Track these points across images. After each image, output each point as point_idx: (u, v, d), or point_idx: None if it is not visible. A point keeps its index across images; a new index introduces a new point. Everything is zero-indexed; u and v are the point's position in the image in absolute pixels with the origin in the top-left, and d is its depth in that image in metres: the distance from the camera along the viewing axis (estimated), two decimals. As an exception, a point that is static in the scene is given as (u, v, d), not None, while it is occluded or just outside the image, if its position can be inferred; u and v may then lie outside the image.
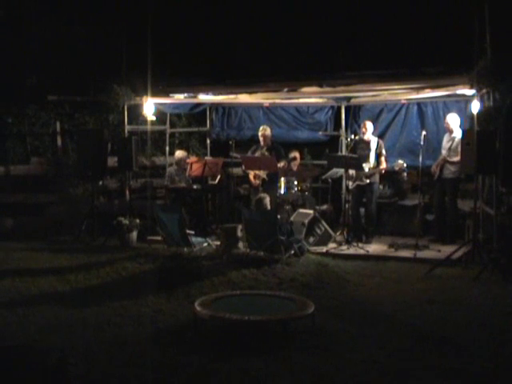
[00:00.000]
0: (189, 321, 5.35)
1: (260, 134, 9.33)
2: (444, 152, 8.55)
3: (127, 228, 8.86)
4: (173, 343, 4.93)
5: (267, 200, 8.11)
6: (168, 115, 10.72)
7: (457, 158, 8.24)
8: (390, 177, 9.51)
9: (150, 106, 9.53)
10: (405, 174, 8.96)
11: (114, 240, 8.94)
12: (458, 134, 8.39)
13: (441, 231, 8.68)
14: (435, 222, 8.87)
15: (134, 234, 8.96)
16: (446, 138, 8.64)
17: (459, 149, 8.10)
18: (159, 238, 8.41)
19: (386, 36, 11.82)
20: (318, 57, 12.08)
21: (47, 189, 10.28)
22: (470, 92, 8.11)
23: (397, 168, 8.78)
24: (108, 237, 8.97)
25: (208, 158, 10.32)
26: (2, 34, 10.87)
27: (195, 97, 10.12)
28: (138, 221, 8.97)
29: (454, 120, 8.52)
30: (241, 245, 7.97)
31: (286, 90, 9.47)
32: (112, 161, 9.73)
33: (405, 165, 8.66)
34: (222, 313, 5.05)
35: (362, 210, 9.07)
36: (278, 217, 8.58)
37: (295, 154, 9.75)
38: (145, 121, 9.80)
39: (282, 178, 9.22)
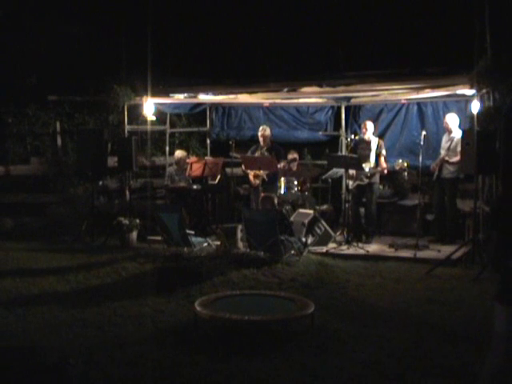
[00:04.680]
0: (189, 321, 5.35)
1: (260, 134, 9.34)
2: (443, 152, 8.55)
3: (127, 228, 8.85)
4: (173, 343, 4.94)
5: (275, 199, 8.14)
6: (168, 115, 10.72)
7: (456, 158, 8.25)
8: (390, 177, 9.51)
9: (149, 106, 9.53)
10: (405, 174, 8.95)
11: (114, 240, 8.93)
12: (456, 133, 8.40)
13: (441, 231, 8.68)
14: (435, 222, 8.87)
15: (134, 234, 8.95)
16: (444, 137, 8.65)
17: (458, 149, 8.12)
18: (159, 237, 8.41)
19: (386, 36, 11.82)
20: (318, 57, 12.07)
21: (47, 189, 10.29)
22: (470, 92, 8.12)
23: (397, 168, 8.77)
24: (108, 237, 8.96)
25: (208, 158, 10.32)
26: (2, 34, 10.87)
27: (195, 97, 10.13)
28: (138, 221, 8.96)
29: (453, 120, 8.52)
30: (241, 245, 7.98)
31: (285, 90, 9.47)
32: (112, 161, 9.72)
33: (405, 164, 8.65)
34: (221, 313, 5.05)
35: (362, 210, 9.06)
36: (285, 209, 8.62)
37: (294, 154, 9.74)
38: (145, 121, 9.80)
39: (282, 178, 9.22)
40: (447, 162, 8.41)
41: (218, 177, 9.66)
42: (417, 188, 8.61)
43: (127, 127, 9.80)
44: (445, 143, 8.58)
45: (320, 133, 10.63)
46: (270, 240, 7.37)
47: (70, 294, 6.46)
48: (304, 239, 7.97)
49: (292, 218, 8.54)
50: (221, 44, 12.71)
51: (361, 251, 8.15)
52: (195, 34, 12.60)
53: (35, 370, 3.55)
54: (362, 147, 8.83)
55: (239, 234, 8.00)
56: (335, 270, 7.26)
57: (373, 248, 8.43)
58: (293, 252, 7.56)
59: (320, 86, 9.04)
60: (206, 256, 7.54)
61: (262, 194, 8.59)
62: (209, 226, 9.28)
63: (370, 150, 8.79)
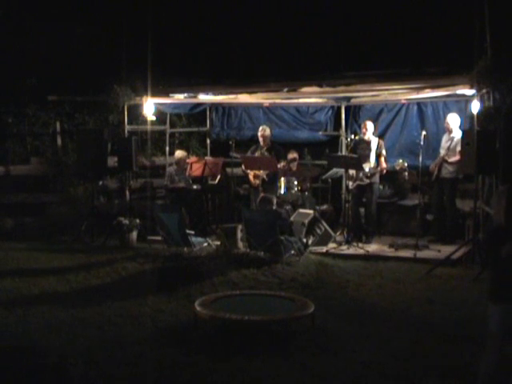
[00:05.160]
0: (189, 321, 5.35)
1: (259, 134, 9.33)
2: (442, 152, 8.56)
3: (127, 228, 8.85)
4: (173, 343, 4.94)
5: (274, 200, 8.13)
6: (168, 115, 10.72)
7: (455, 158, 8.27)
8: (390, 177, 9.51)
9: (149, 106, 9.53)
10: (405, 174, 8.96)
11: (114, 240, 8.93)
12: (457, 134, 8.41)
13: (440, 231, 8.68)
14: (435, 222, 8.87)
15: (134, 234, 8.95)
16: (444, 137, 8.66)
17: (458, 149, 8.16)
18: (159, 237, 8.41)
19: (386, 36, 11.82)
20: (318, 57, 12.07)
21: (47, 189, 10.29)
22: (470, 92, 8.12)
23: (397, 168, 8.77)
24: (108, 237, 8.96)
25: (208, 158, 10.32)
26: (2, 34, 10.87)
27: (195, 97, 10.13)
28: (138, 221, 8.96)
29: (454, 120, 8.53)
30: (241, 245, 7.98)
31: (285, 90, 9.47)
32: (112, 161, 9.72)
33: (405, 164, 8.65)
34: (222, 313, 5.05)
35: (362, 210, 9.06)
36: (284, 209, 8.61)
37: (294, 154, 9.75)
38: (145, 121, 9.80)
39: (282, 178, 9.22)
40: (446, 161, 8.41)
41: (218, 177, 9.66)
42: (417, 188, 8.61)
43: (127, 127, 9.80)
44: (445, 143, 8.59)
45: (320, 133, 10.63)
46: (269, 240, 7.37)
47: (70, 294, 6.46)
48: (305, 240, 7.97)
49: (292, 218, 8.54)
50: (221, 44, 12.70)
51: (361, 251, 8.15)
52: (195, 33, 12.60)
53: (35, 370, 3.55)
54: (361, 147, 8.83)
55: (239, 234, 7.99)
56: (335, 270, 7.26)
57: (373, 248, 8.43)
58: (293, 252, 7.56)
59: (320, 85, 9.03)
60: (206, 256, 7.54)
61: (261, 195, 8.58)
62: (209, 225, 9.28)
63: (369, 150, 8.79)
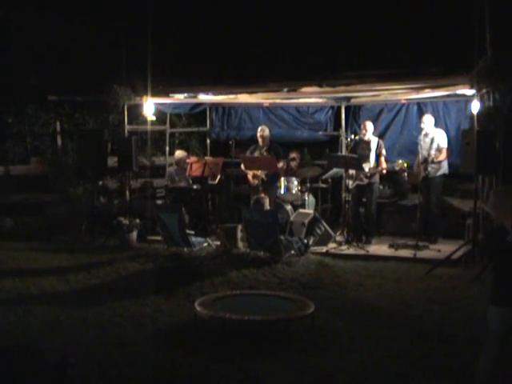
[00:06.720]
0: (189, 321, 5.35)
1: (259, 135, 9.33)
2: (425, 152, 8.50)
3: (127, 228, 8.85)
4: (173, 343, 4.94)
5: (266, 201, 8.12)
6: (168, 115, 10.72)
7: (441, 157, 8.34)
8: (390, 177, 9.50)
9: (149, 106, 9.53)
10: (405, 174, 8.94)
11: (114, 240, 8.94)
12: (434, 133, 8.53)
13: (426, 230, 8.67)
14: (421, 221, 8.77)
15: (134, 234, 8.95)
16: (422, 138, 8.59)
17: (441, 146, 8.37)
18: (159, 237, 8.41)
19: (386, 36, 11.81)
20: (318, 57, 12.07)
21: (47, 189, 10.29)
22: (470, 92, 8.12)
23: (397, 168, 8.76)
24: (108, 237, 8.97)
25: (208, 158, 10.32)
26: (2, 34, 10.87)
27: (195, 97, 10.13)
28: (138, 221, 8.97)
29: (429, 121, 8.63)
30: (241, 245, 7.98)
31: (285, 90, 9.47)
32: (112, 161, 9.72)
33: (405, 164, 8.64)
34: (221, 313, 5.06)
35: (362, 210, 9.06)
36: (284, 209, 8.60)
37: (294, 154, 9.75)
38: (145, 121, 9.81)
39: (282, 178, 9.22)
40: (434, 161, 8.41)
41: (218, 177, 9.67)
42: (417, 188, 8.60)
43: (127, 127, 9.80)
44: (426, 144, 8.56)
45: (320, 133, 10.62)
46: (269, 240, 7.37)
47: (70, 294, 6.47)
48: (306, 240, 7.96)
49: (292, 218, 8.54)
50: (221, 44, 12.70)
51: (361, 251, 8.16)
52: (195, 34, 12.59)
53: (35, 370, 3.55)
54: (361, 147, 8.82)
55: (239, 234, 7.99)
56: (335, 270, 7.26)
57: (373, 248, 8.43)
58: (293, 252, 7.56)
59: (320, 86, 9.04)
60: (205, 256, 7.55)
61: (255, 197, 8.54)
62: (209, 225, 9.28)
63: (369, 150, 8.78)
